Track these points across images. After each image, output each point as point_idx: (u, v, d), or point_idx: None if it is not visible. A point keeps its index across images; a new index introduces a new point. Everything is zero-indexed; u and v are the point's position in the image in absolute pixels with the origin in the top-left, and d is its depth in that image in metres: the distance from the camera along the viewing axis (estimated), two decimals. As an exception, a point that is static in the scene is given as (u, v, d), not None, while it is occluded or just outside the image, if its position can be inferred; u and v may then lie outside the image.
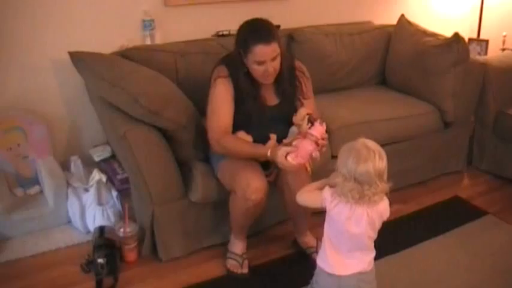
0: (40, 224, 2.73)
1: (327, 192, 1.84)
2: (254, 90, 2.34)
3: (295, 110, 2.33)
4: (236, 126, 2.34)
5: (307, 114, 2.22)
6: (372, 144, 1.78)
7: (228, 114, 2.31)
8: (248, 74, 2.29)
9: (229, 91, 2.32)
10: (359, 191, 1.73)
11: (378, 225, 1.84)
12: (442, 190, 3.22)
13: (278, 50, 2.23)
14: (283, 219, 2.74)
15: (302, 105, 2.39)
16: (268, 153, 2.18)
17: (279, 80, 2.34)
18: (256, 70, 2.24)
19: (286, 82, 2.37)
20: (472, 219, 2.86)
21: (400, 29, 3.55)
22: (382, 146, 2.88)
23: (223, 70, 2.33)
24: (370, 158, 1.72)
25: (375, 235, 1.86)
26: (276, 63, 2.25)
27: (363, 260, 1.87)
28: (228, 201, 2.37)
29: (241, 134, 2.34)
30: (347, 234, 1.81)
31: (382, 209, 1.82)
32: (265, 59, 2.19)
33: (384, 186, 1.76)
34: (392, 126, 3.01)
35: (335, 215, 1.82)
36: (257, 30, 2.21)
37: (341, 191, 1.77)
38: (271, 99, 2.40)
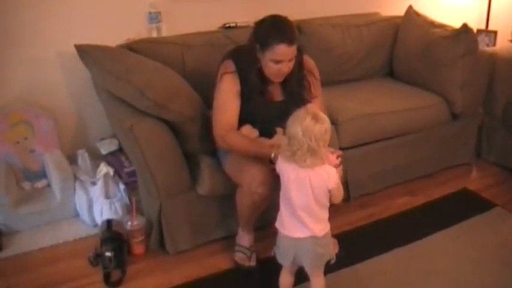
0: (47, 217, 2.74)
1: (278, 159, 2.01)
2: (262, 86, 2.32)
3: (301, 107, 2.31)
4: (242, 120, 2.33)
5: None
6: (313, 109, 1.90)
7: (233, 110, 2.30)
8: (259, 70, 2.28)
9: (235, 87, 2.30)
10: (291, 150, 1.86)
11: (323, 193, 1.92)
12: (450, 182, 3.20)
13: (296, 52, 2.21)
14: (290, 212, 2.73)
15: (309, 102, 2.35)
16: (272, 155, 2.16)
17: (287, 79, 2.32)
18: (271, 68, 2.22)
19: (294, 82, 2.35)
20: (481, 212, 2.84)
21: (408, 20, 3.52)
22: (390, 138, 2.97)
23: (230, 65, 2.31)
24: (303, 120, 1.83)
25: (320, 204, 1.94)
26: (291, 64, 2.23)
27: (312, 227, 1.94)
28: (235, 194, 2.36)
29: (247, 128, 2.33)
30: (291, 199, 1.93)
31: (326, 177, 1.90)
32: (283, 59, 2.18)
33: (314, 149, 1.83)
34: (400, 118, 2.99)
35: (282, 174, 1.97)
36: (282, 29, 2.16)
37: (281, 152, 1.95)
38: (278, 95, 2.38)
